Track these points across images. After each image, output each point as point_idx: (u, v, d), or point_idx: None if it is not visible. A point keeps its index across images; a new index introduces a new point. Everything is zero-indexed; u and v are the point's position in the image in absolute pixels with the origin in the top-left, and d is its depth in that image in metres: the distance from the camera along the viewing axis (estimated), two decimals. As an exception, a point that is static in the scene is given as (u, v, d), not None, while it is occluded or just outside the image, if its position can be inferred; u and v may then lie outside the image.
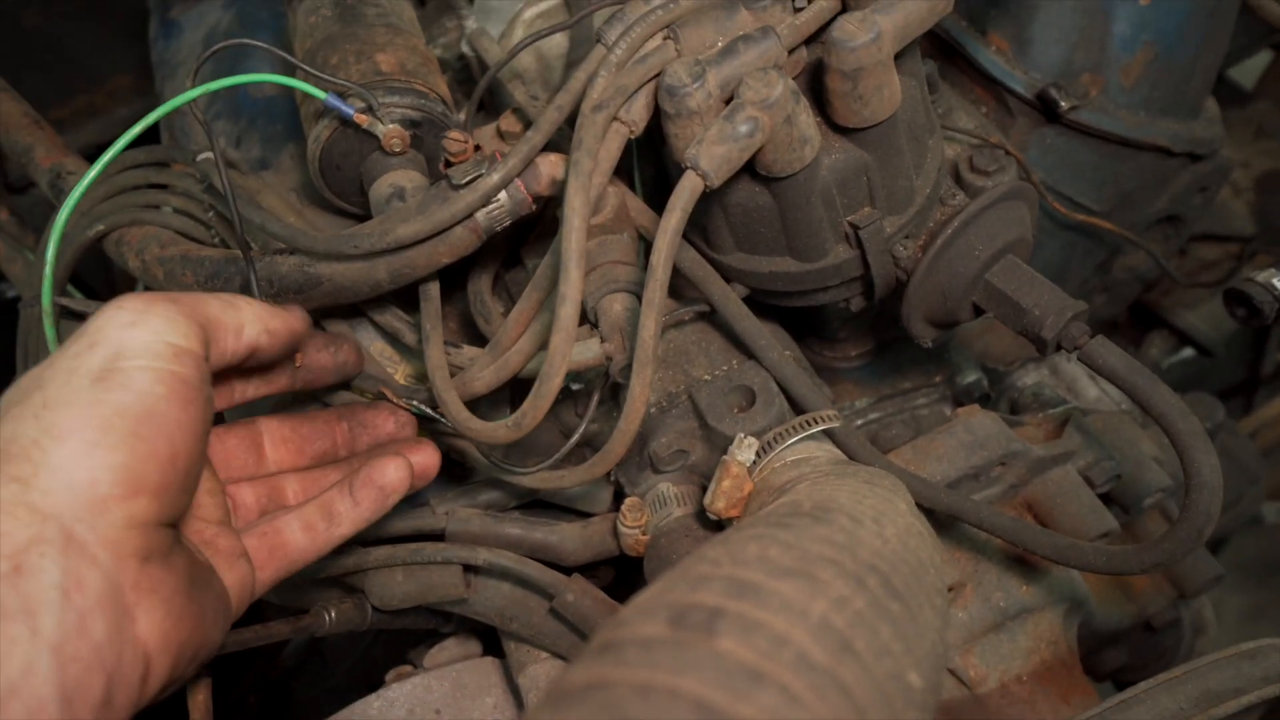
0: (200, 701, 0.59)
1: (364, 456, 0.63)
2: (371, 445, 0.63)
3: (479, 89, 0.74)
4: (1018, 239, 0.70)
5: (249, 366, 0.54)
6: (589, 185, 0.57)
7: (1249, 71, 1.57)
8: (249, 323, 0.51)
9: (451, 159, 0.63)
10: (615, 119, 0.61)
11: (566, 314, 0.56)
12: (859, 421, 0.88)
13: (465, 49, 0.91)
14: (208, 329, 0.49)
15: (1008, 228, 0.68)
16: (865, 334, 0.89)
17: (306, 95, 0.66)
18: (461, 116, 0.85)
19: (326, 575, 0.66)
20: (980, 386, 0.93)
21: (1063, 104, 0.82)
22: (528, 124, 0.83)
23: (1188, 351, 1.26)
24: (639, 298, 0.62)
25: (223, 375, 0.54)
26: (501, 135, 0.83)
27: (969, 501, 0.68)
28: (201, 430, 0.47)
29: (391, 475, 0.58)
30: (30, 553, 0.40)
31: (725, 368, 0.71)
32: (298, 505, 0.58)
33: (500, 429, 0.57)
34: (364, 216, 0.73)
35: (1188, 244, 1.34)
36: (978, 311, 0.71)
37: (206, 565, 0.51)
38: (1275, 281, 0.76)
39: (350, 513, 0.57)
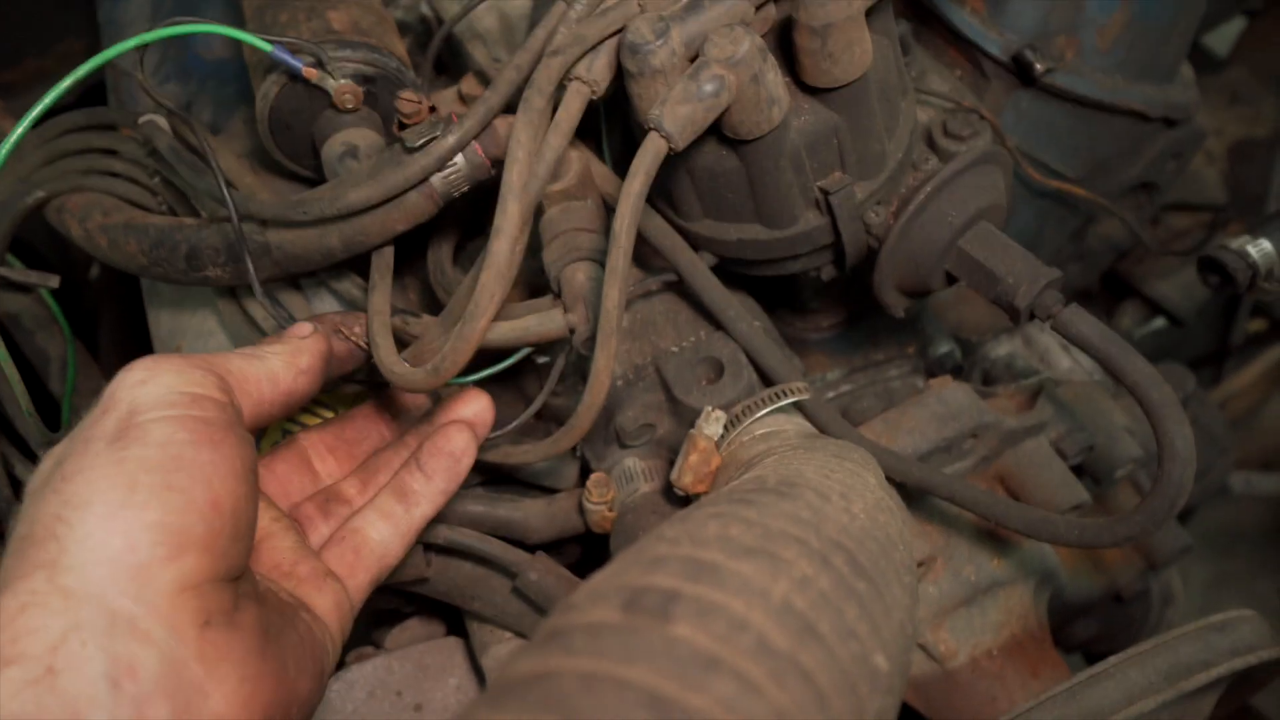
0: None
1: (417, 434, 0.60)
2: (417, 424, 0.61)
3: (434, 44, 0.71)
4: (991, 205, 0.68)
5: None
6: (536, 121, 0.54)
7: (1223, 38, 1.56)
8: (281, 369, 0.49)
9: (405, 120, 0.60)
10: (577, 79, 0.58)
11: (499, 248, 0.53)
12: (831, 393, 0.87)
13: (424, 9, 0.88)
14: (229, 378, 0.46)
15: (981, 193, 0.67)
16: (837, 304, 0.87)
17: (255, 51, 0.62)
18: (418, 77, 0.83)
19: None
20: (953, 358, 0.92)
21: (1038, 66, 0.80)
22: (490, 86, 0.81)
23: (1159, 321, 1.25)
24: (604, 266, 0.59)
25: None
26: (463, 98, 0.80)
27: (940, 475, 0.66)
28: (242, 470, 0.43)
29: (457, 440, 0.56)
30: (68, 645, 0.35)
31: (693, 339, 0.69)
32: (370, 499, 0.56)
33: (419, 374, 0.54)
34: (317, 181, 0.70)
35: (1160, 213, 1.33)
36: (950, 280, 0.69)
37: (285, 607, 0.47)
38: (1249, 249, 0.75)
39: (426, 489, 0.55)
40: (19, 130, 0.56)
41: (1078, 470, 0.83)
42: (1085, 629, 1.00)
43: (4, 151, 0.57)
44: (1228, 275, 0.77)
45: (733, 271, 0.72)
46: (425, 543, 0.62)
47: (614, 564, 0.35)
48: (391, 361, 0.56)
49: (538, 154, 0.56)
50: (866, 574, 0.36)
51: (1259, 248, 0.76)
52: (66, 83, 0.56)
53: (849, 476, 0.48)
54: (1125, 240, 1.09)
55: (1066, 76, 0.82)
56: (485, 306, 0.52)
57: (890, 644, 0.35)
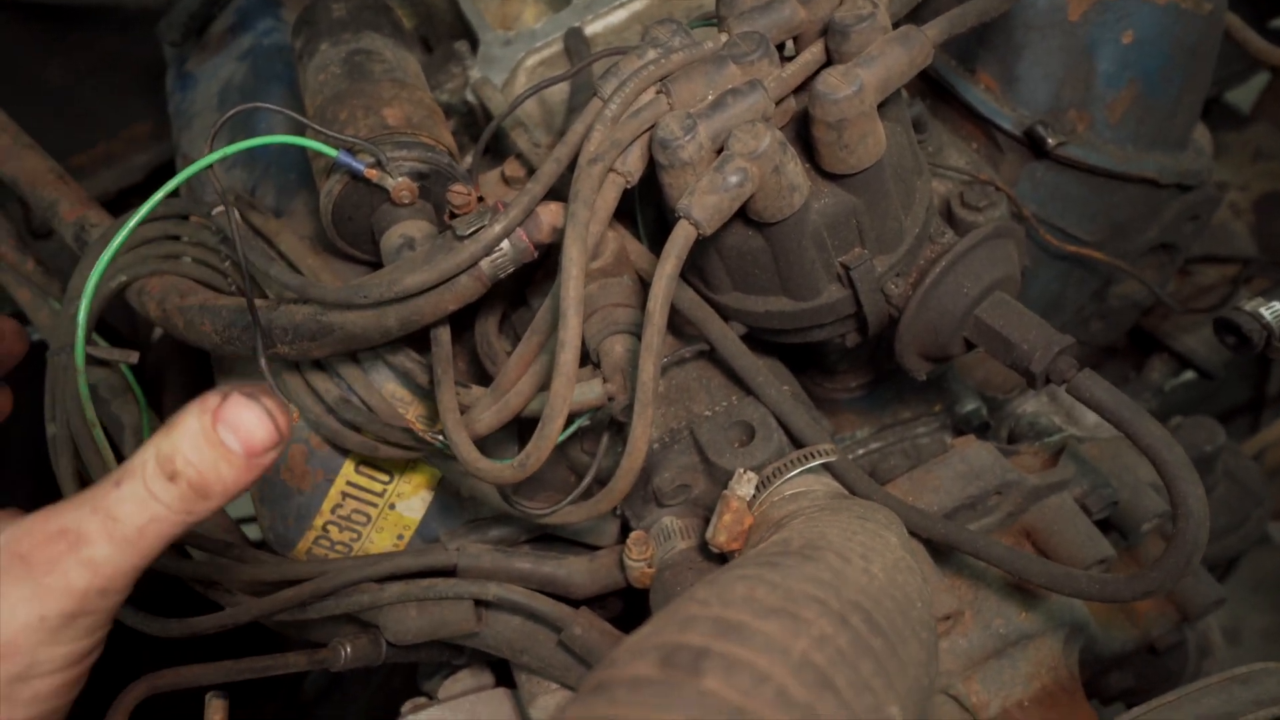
0: (217, 722, 0.61)
1: None
2: None
3: (481, 141, 0.77)
4: (1005, 276, 0.72)
5: None
6: (585, 235, 0.60)
7: (1246, 95, 1.60)
8: None
9: (456, 211, 0.66)
10: (611, 170, 0.64)
11: (566, 359, 0.58)
12: (860, 451, 0.90)
13: (470, 97, 0.95)
14: None
15: (994, 266, 0.71)
16: (864, 365, 0.91)
17: (318, 152, 0.69)
18: (467, 163, 0.89)
19: (343, 612, 0.68)
20: (980, 415, 0.95)
21: (1050, 140, 0.84)
22: (530, 169, 0.86)
23: (1189, 374, 1.27)
24: (639, 339, 0.64)
25: None
26: (506, 180, 0.86)
27: (965, 531, 0.69)
28: None
29: None
30: None
31: (725, 404, 0.73)
32: None
33: (506, 469, 0.59)
34: (376, 263, 0.76)
35: (1189, 265, 1.36)
36: (969, 346, 0.73)
37: None
38: (1263, 311, 0.78)
39: None
40: (118, 239, 0.63)
41: (1104, 525, 0.85)
42: (1121, 680, 1.01)
43: (106, 258, 0.63)
44: (1243, 336, 0.80)
45: (762, 339, 0.76)
46: (476, 599, 0.67)
47: (651, 623, 0.39)
48: (474, 458, 0.61)
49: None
50: (882, 631, 0.39)
51: (1272, 310, 0.78)
52: (159, 196, 0.62)
53: (871, 538, 0.51)
54: (1147, 298, 1.12)
55: (1079, 148, 0.86)
56: (559, 409, 0.57)
57: (905, 696, 0.38)
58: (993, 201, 0.80)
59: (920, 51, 0.63)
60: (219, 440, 0.43)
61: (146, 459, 0.43)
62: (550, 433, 0.58)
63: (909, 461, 0.86)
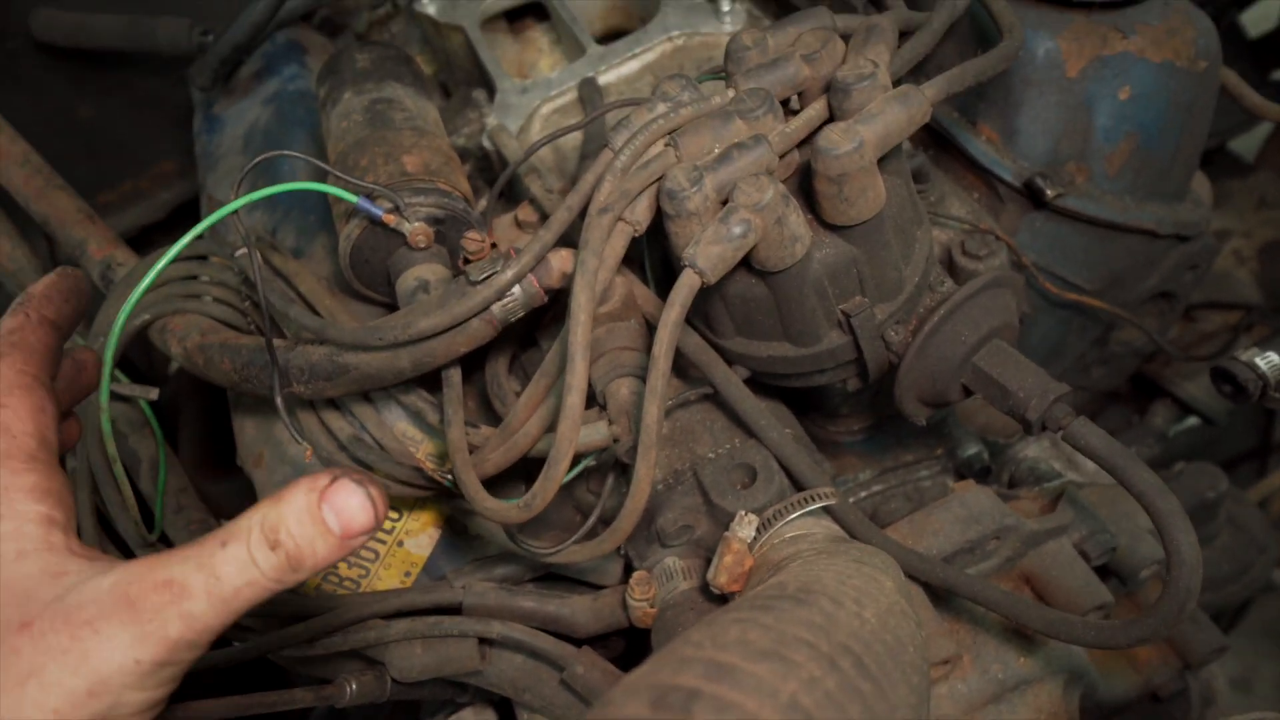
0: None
1: None
2: None
3: (496, 187, 0.80)
4: (1003, 324, 0.74)
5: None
6: (594, 283, 0.62)
7: (1249, 143, 1.62)
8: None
9: (470, 257, 0.68)
10: (620, 219, 0.66)
11: (572, 403, 0.60)
12: (862, 494, 0.91)
13: (486, 143, 0.98)
14: None
15: (992, 314, 0.72)
16: (866, 409, 0.93)
17: (338, 197, 0.71)
18: (482, 206, 0.91)
19: (350, 648, 0.70)
20: (981, 459, 0.96)
21: (1049, 192, 0.86)
22: (543, 214, 0.89)
23: (1193, 419, 1.28)
24: (644, 382, 0.66)
25: None
26: (519, 224, 0.88)
27: (963, 576, 0.71)
28: None
29: None
30: None
31: (728, 446, 0.75)
32: None
33: (512, 510, 0.61)
34: (391, 305, 0.79)
35: (1193, 311, 1.37)
36: (967, 392, 0.74)
37: None
38: (1258, 361, 0.80)
39: None
40: (146, 281, 0.66)
41: (1104, 571, 0.86)
42: (1124, 729, 1.01)
43: (133, 299, 0.66)
44: (1239, 385, 0.81)
45: (765, 383, 0.78)
46: (481, 637, 0.68)
47: (646, 664, 0.40)
48: (481, 497, 0.63)
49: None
50: (872, 675, 0.40)
51: (1268, 360, 0.80)
52: (186, 240, 0.65)
53: (865, 581, 0.53)
54: (1148, 345, 1.14)
55: (1078, 200, 0.88)
56: (565, 451, 0.59)
57: (893, 739, 0.39)
58: (993, 250, 0.82)
59: (919, 110, 0.66)
60: (321, 518, 0.46)
61: (253, 525, 0.46)
62: (556, 474, 0.60)
63: (910, 504, 0.87)
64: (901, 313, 0.73)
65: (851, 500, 0.86)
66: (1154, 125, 0.88)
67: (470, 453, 0.66)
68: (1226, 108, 0.96)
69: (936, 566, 0.70)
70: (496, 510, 0.61)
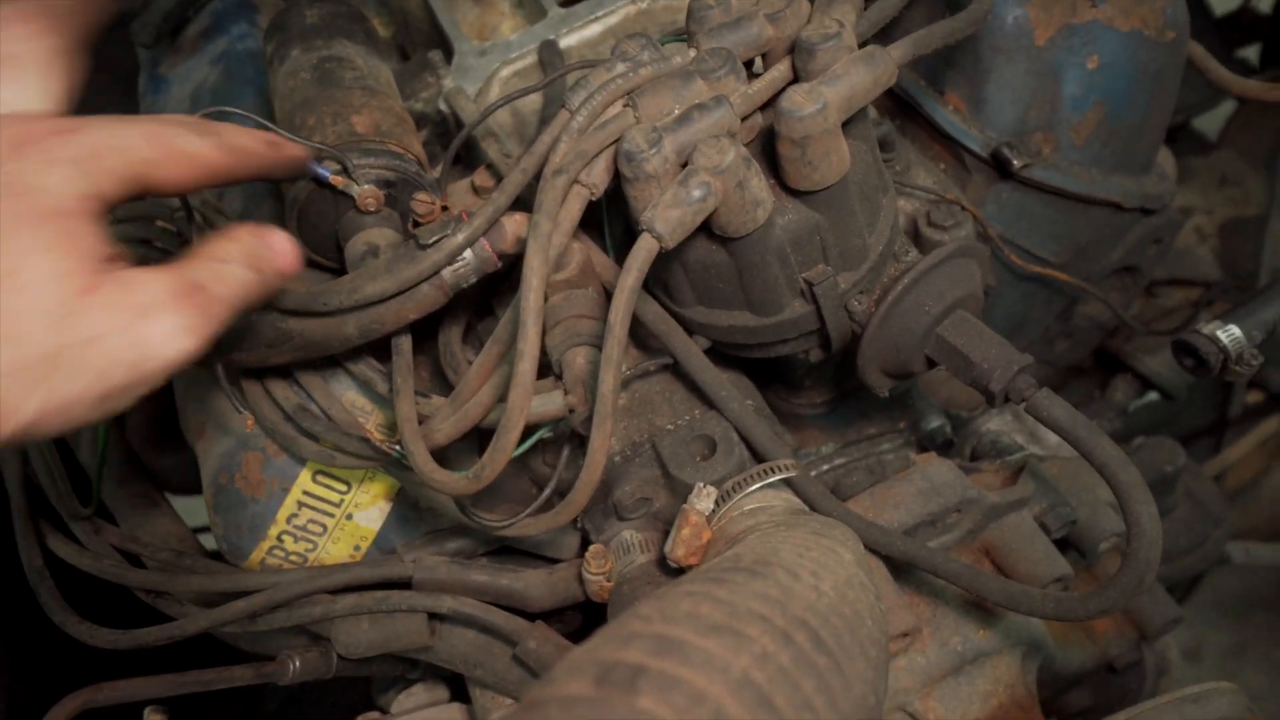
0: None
1: None
2: None
3: (451, 150, 0.77)
4: (967, 295, 0.72)
5: None
6: (547, 245, 0.60)
7: (1213, 122, 1.62)
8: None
9: (419, 220, 0.66)
10: (576, 182, 0.64)
11: (524, 370, 0.58)
12: (824, 466, 0.90)
13: (443, 106, 0.94)
14: None
15: (956, 284, 0.71)
16: (828, 381, 0.91)
17: (283, 157, 0.68)
18: (436, 173, 0.88)
19: (294, 624, 0.68)
20: (943, 432, 0.95)
21: (1015, 162, 0.85)
22: (500, 179, 0.86)
23: (1153, 395, 1.28)
24: (601, 351, 0.64)
25: None
26: (475, 190, 0.86)
27: (923, 549, 0.70)
28: None
29: None
30: None
31: (688, 417, 0.73)
32: None
33: (462, 480, 0.59)
34: (341, 271, 0.76)
35: (1154, 287, 1.38)
36: (931, 364, 0.73)
37: None
38: (1219, 334, 0.79)
39: None
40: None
41: (1064, 543, 0.86)
42: (1080, 699, 1.02)
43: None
44: (1201, 359, 0.81)
45: (726, 354, 0.77)
46: (430, 612, 0.66)
47: (593, 639, 0.39)
48: (430, 469, 0.60)
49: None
50: (828, 649, 0.39)
51: (1229, 333, 0.79)
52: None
53: (824, 554, 0.51)
54: (1111, 320, 1.13)
55: (1044, 170, 0.87)
56: (516, 420, 0.57)
57: (849, 715, 0.38)
58: (959, 221, 0.81)
59: (885, 71, 0.64)
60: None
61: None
62: (506, 443, 0.58)
63: (872, 478, 0.86)
64: (865, 282, 0.72)
65: (813, 474, 0.84)
66: (1122, 95, 0.87)
67: (420, 423, 0.64)
68: (1190, 85, 0.96)
69: (897, 539, 0.70)
70: (445, 482, 0.59)
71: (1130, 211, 0.94)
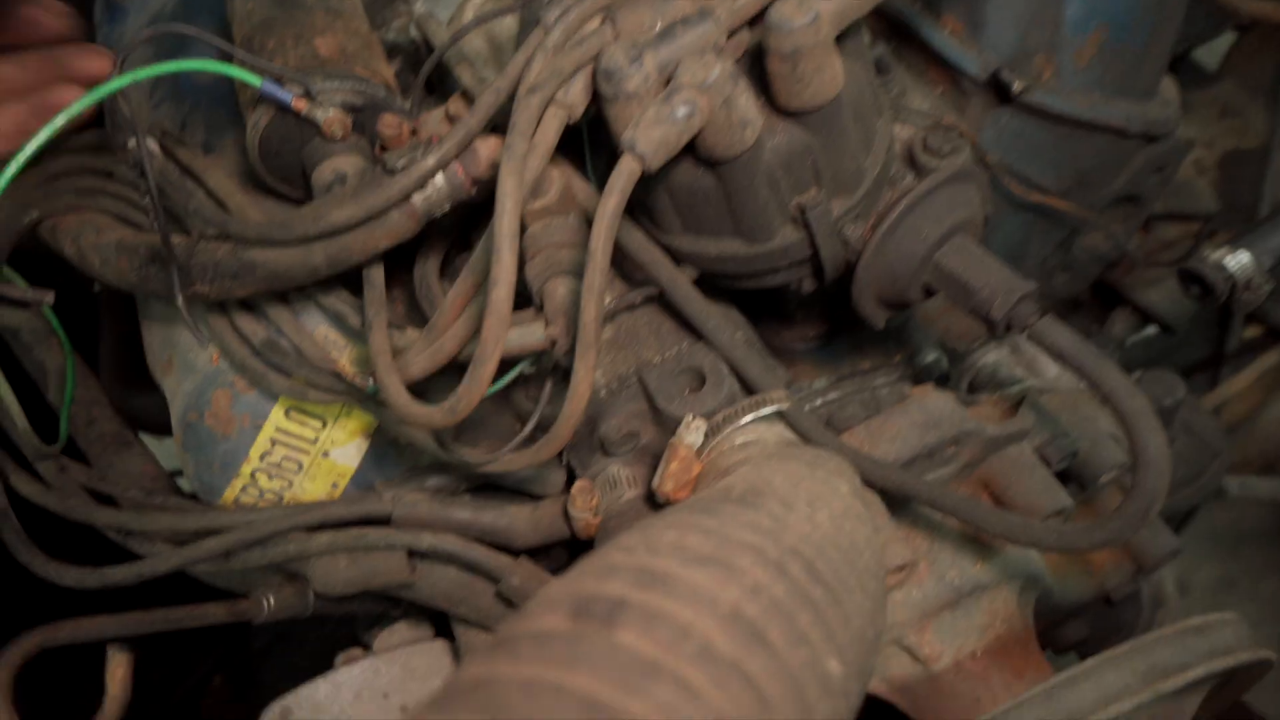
0: (119, 676, 0.58)
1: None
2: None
3: (423, 73, 0.73)
4: (967, 219, 0.69)
5: None
6: (522, 169, 0.56)
7: (1213, 53, 1.58)
8: None
9: (387, 144, 0.62)
10: (553, 102, 0.60)
11: (499, 297, 0.55)
12: (818, 401, 0.88)
13: (413, 32, 0.90)
14: None
15: (955, 209, 0.68)
16: (822, 315, 0.89)
17: (244, 83, 0.64)
18: (408, 103, 0.84)
19: (268, 561, 0.65)
20: (940, 366, 0.93)
21: (1015, 86, 0.81)
22: (476, 107, 0.82)
23: (1151, 329, 1.26)
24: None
25: None
26: (450, 118, 0.82)
27: (920, 481, 0.68)
28: None
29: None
30: None
31: (676, 350, 0.71)
32: None
33: (436, 413, 0.56)
34: (308, 201, 0.72)
35: (1152, 222, 1.35)
36: (929, 293, 0.70)
37: None
38: (1227, 261, 0.77)
39: None
40: (18, 162, 0.58)
41: (1064, 476, 0.84)
42: (1076, 631, 1.01)
43: (2, 184, 0.59)
44: (1207, 286, 0.78)
45: (715, 285, 0.74)
46: (410, 549, 0.64)
47: (571, 572, 0.36)
48: (404, 402, 0.58)
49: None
50: (824, 580, 0.37)
51: (1237, 260, 0.77)
52: (61, 120, 0.58)
53: (819, 485, 0.49)
54: (1112, 251, 1.10)
55: (1044, 95, 0.83)
56: (491, 350, 0.54)
57: (846, 649, 0.36)
58: (956, 147, 0.78)
59: (880, -20, 0.60)
60: None
61: None
62: (482, 375, 0.55)
63: (867, 411, 0.84)
64: (860, 208, 0.69)
65: (806, 408, 0.82)
66: (1125, 15, 0.83)
67: (395, 357, 0.61)
68: (1191, 15, 0.92)
69: (893, 472, 0.67)
70: (420, 414, 0.56)
71: (1133, 138, 0.90)
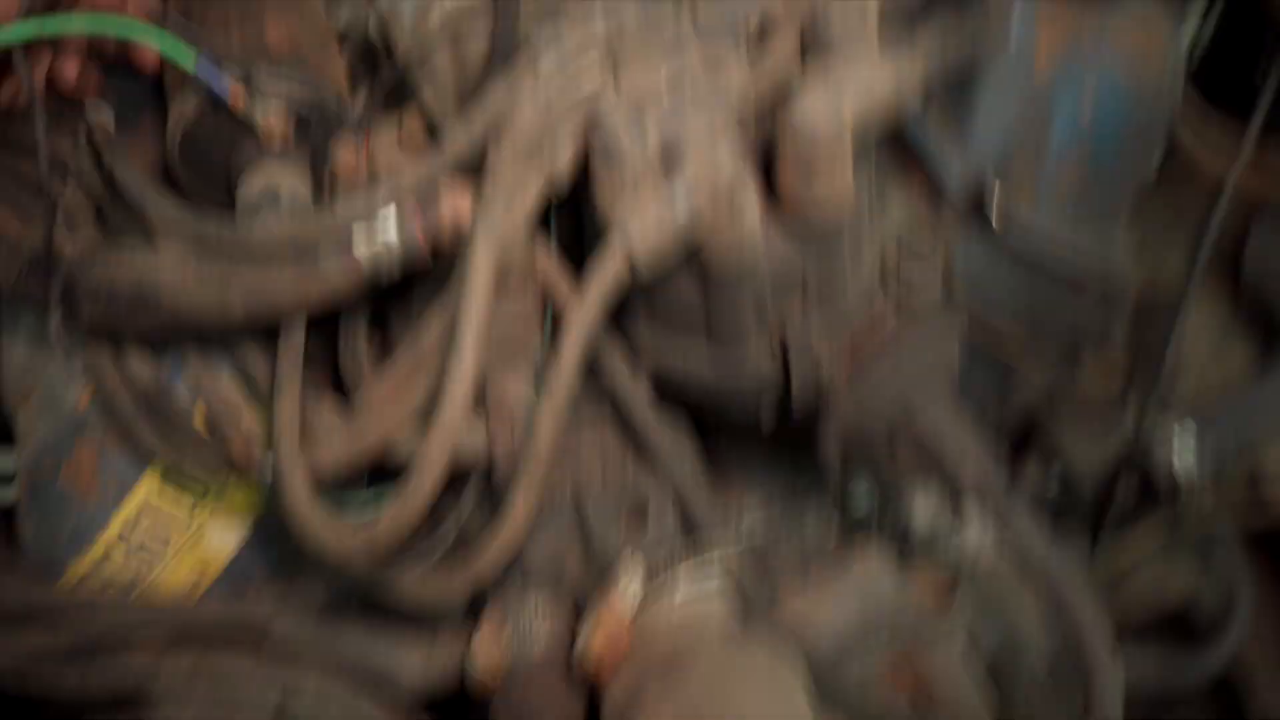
0: None
1: None
2: None
3: (381, 89, 0.63)
4: (941, 364, 0.65)
5: None
6: (498, 241, 0.47)
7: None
8: None
9: (337, 170, 0.51)
10: (538, 164, 0.51)
11: (452, 404, 0.45)
12: (753, 533, 0.82)
13: (372, 34, 0.79)
14: None
15: (932, 352, 0.64)
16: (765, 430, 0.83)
17: (172, 60, 0.53)
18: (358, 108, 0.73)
19: (108, 684, 0.52)
20: (869, 498, 0.88)
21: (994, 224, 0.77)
22: (432, 127, 0.72)
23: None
24: (539, 381, 0.52)
25: None
26: (401, 144, 0.70)
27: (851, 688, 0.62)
28: None
29: None
30: None
31: (619, 477, 0.62)
32: None
33: (347, 534, 0.46)
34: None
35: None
36: (891, 445, 0.66)
37: None
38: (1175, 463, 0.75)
39: None
40: None
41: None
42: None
43: None
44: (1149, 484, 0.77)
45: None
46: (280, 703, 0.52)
47: None
48: (307, 509, 0.46)
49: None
50: None
51: (1184, 463, 0.75)
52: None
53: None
54: (1044, 390, 1.09)
55: (1020, 237, 0.80)
56: (435, 463, 0.45)
57: None
58: (933, 251, 0.74)
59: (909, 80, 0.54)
60: None
61: None
62: (419, 494, 0.45)
63: (798, 555, 0.78)
64: (837, 327, 0.63)
65: (740, 547, 0.75)
66: (1108, 143, 0.80)
67: (304, 437, 0.50)
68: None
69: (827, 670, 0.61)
70: (326, 532, 0.46)
71: (1092, 289, 0.88)
